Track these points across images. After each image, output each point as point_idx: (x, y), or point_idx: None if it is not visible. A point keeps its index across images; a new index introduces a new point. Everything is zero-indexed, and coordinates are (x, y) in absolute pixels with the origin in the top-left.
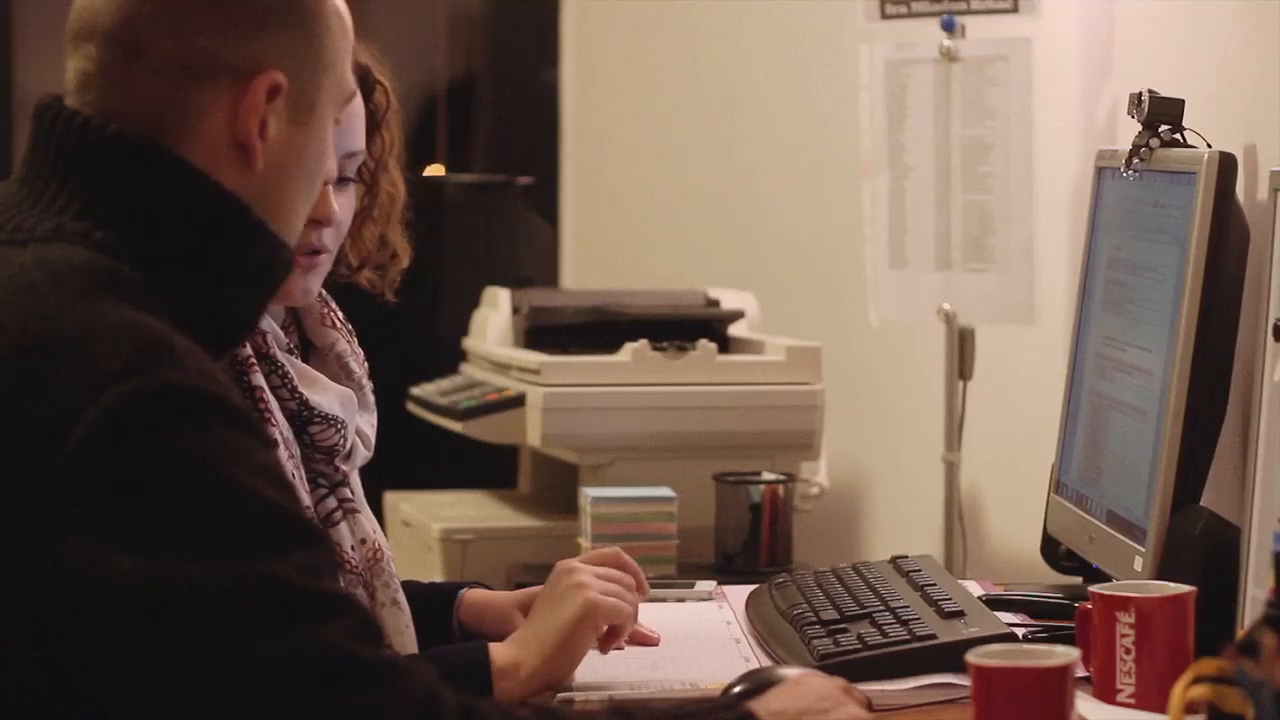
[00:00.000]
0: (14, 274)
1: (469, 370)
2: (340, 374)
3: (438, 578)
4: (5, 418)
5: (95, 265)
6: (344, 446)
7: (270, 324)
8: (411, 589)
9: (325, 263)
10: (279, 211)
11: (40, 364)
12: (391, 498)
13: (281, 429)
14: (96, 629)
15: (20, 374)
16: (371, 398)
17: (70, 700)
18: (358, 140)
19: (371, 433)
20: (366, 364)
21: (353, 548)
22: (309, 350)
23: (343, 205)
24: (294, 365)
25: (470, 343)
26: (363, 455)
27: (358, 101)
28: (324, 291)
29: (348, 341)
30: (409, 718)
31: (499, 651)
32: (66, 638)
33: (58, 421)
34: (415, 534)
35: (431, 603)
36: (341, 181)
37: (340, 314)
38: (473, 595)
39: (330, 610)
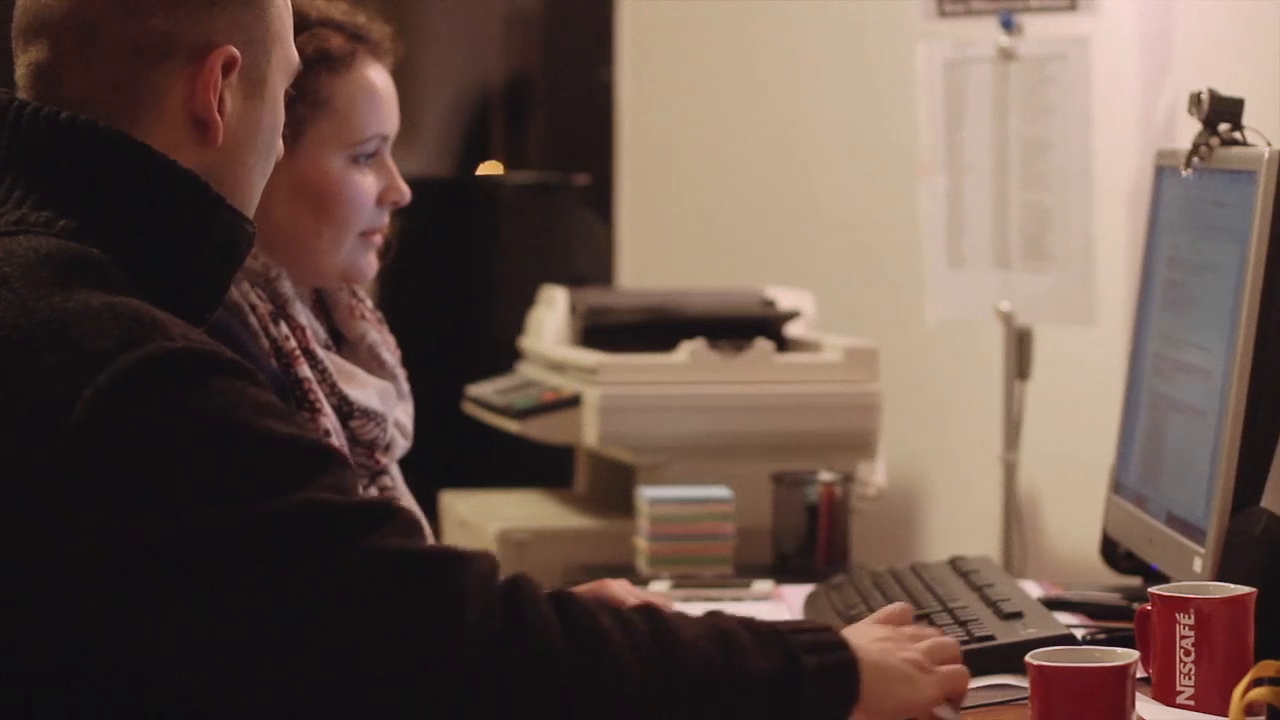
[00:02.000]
0: None
1: (525, 369)
2: (373, 364)
3: None
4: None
5: (64, 252)
6: (384, 439)
7: (309, 318)
8: None
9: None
10: (238, 186)
11: (24, 355)
12: (448, 497)
13: (330, 419)
14: (143, 599)
15: (4, 367)
16: (406, 386)
17: (99, 687)
18: (391, 123)
19: (409, 422)
20: (399, 351)
21: None
22: (340, 342)
23: (369, 183)
24: (332, 361)
25: (526, 342)
26: (402, 446)
27: (389, 84)
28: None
29: (378, 331)
30: (486, 593)
31: None
32: (106, 619)
33: (50, 409)
34: (472, 534)
35: None
36: (368, 158)
37: (369, 303)
38: None
39: (375, 519)
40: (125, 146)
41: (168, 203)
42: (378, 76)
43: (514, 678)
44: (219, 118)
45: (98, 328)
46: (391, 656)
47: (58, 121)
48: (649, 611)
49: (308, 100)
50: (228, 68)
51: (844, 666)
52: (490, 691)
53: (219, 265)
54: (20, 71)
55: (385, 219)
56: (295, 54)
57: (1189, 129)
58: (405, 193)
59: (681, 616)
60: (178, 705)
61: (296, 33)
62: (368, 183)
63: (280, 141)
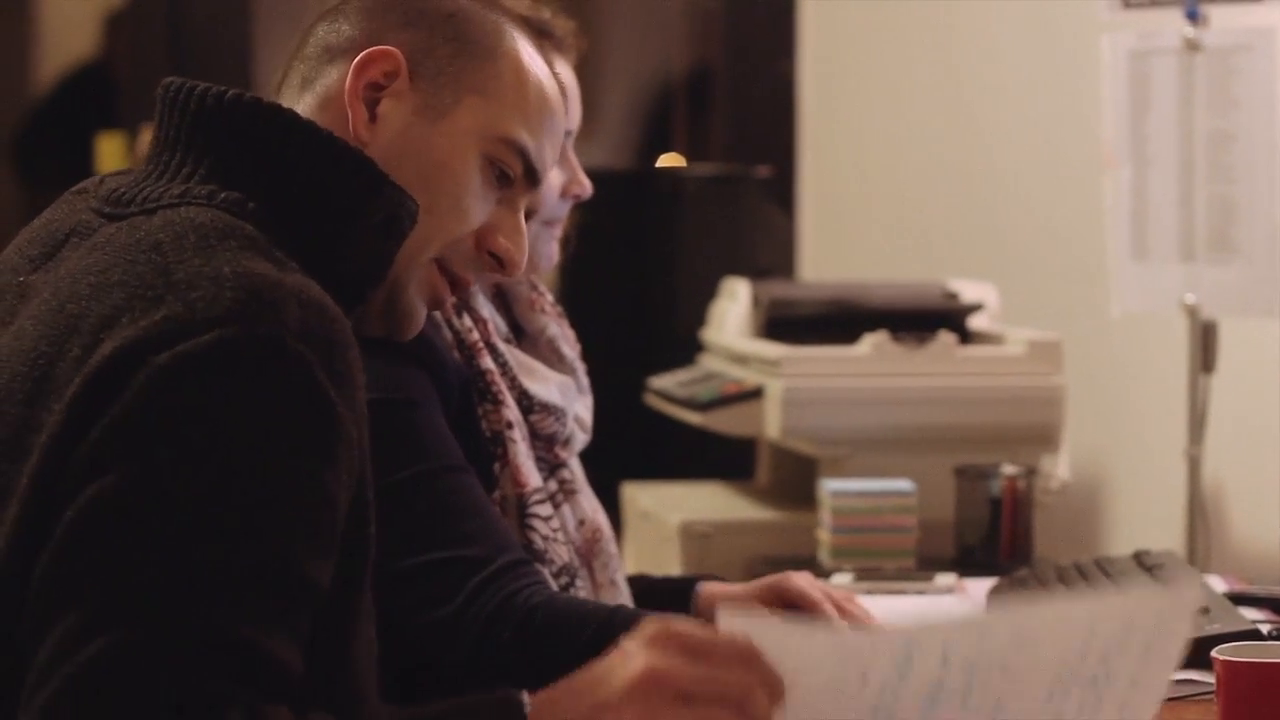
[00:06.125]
0: (141, 237)
1: (707, 361)
2: (553, 359)
3: (676, 570)
4: (110, 342)
5: (216, 222)
6: (564, 434)
7: (491, 311)
8: (645, 584)
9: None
10: None
11: (150, 308)
12: (629, 489)
13: (512, 410)
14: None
15: (133, 313)
16: (585, 380)
17: None
18: (573, 119)
19: (588, 417)
20: (579, 345)
21: (575, 529)
22: (520, 336)
23: (553, 176)
24: (513, 355)
25: (708, 334)
26: (581, 440)
27: (572, 80)
28: (532, 277)
29: (558, 325)
30: None
31: None
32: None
33: (142, 350)
34: (654, 526)
35: (667, 597)
36: None
37: (549, 297)
38: (710, 588)
39: (242, 664)
40: (288, 121)
41: (329, 176)
42: (561, 72)
43: None
44: (360, 107)
45: (217, 293)
46: None
47: (224, 98)
48: None
49: None
50: (390, 73)
51: None
52: None
53: (379, 242)
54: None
55: (566, 211)
56: (517, 131)
57: None
58: (587, 186)
59: None
60: None
61: None
62: (551, 176)
63: (463, 211)
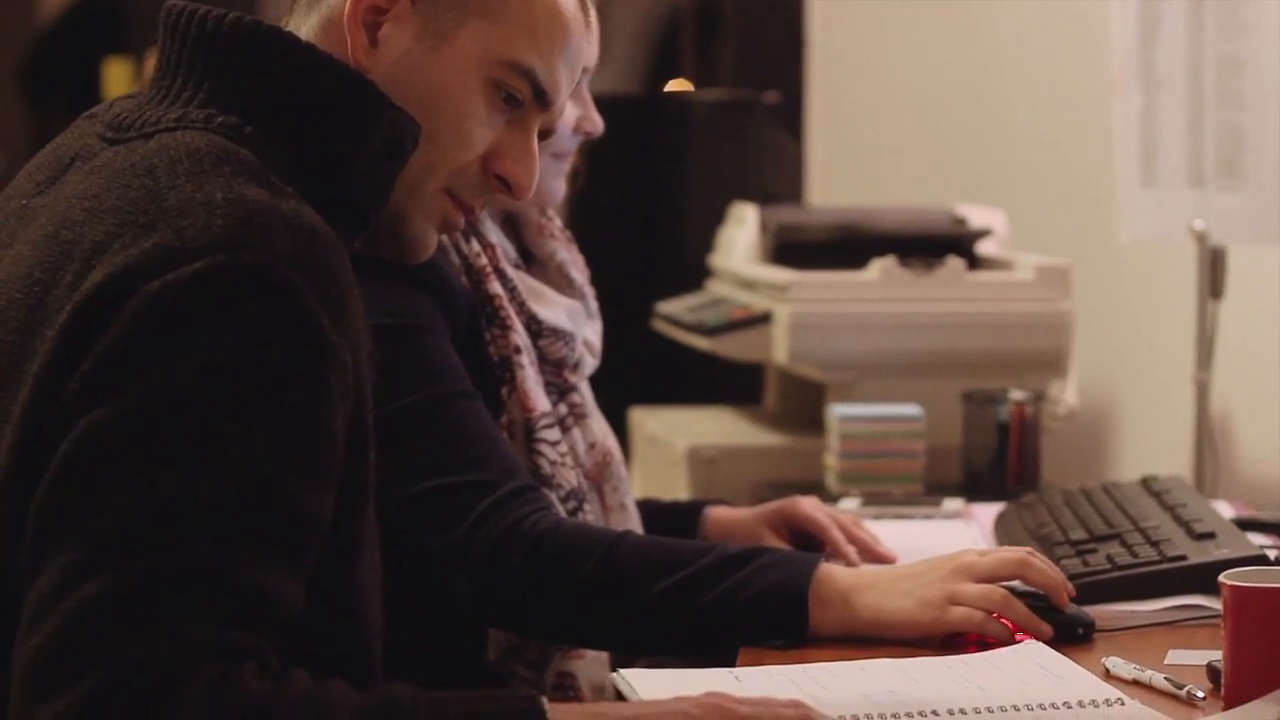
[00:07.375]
0: (136, 161)
1: (715, 287)
2: (562, 283)
3: (683, 495)
4: (102, 269)
5: (211, 147)
6: (573, 358)
7: (500, 237)
8: (653, 507)
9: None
10: None
11: (140, 234)
12: (637, 414)
13: (520, 335)
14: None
15: (125, 240)
16: (595, 305)
17: None
18: (590, 57)
19: (597, 341)
20: (588, 270)
21: (585, 452)
22: (529, 261)
23: (567, 111)
24: (521, 280)
25: (716, 259)
26: (590, 364)
27: (595, 19)
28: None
29: (567, 250)
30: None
31: (839, 573)
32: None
33: (132, 278)
34: (661, 450)
35: (675, 521)
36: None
37: (558, 222)
38: (717, 513)
39: (216, 599)
40: (287, 44)
41: (328, 100)
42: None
43: None
44: (360, 31)
45: (208, 220)
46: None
47: (223, 21)
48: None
49: None
50: None
51: None
52: None
53: (381, 164)
54: None
55: (575, 146)
56: (524, 54)
57: None
58: (599, 124)
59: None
60: None
61: None
62: (566, 110)
63: (466, 137)
